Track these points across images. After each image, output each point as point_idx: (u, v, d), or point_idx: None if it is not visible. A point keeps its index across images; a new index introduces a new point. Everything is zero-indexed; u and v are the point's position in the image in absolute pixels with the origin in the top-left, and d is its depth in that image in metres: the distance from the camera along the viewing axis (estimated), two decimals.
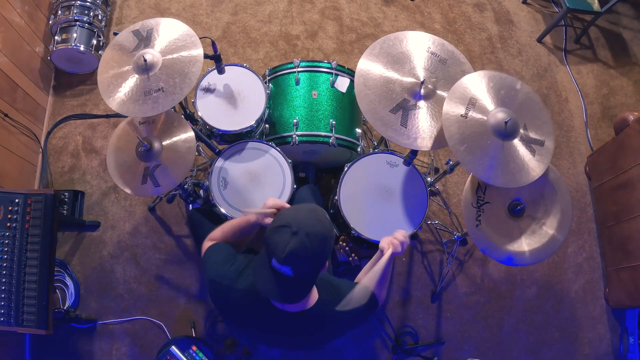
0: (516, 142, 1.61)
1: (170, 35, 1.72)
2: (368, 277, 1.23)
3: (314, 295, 1.21)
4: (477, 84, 1.65)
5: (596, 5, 2.82)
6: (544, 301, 2.47)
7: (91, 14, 2.55)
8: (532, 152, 1.62)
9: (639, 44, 3.19)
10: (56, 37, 2.49)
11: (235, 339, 2.20)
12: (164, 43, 1.70)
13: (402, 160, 1.94)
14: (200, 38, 1.70)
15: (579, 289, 2.52)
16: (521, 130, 1.63)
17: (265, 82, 2.03)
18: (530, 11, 3.22)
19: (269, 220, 1.31)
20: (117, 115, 2.61)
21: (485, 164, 1.57)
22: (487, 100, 1.63)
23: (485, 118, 1.60)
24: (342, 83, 2.05)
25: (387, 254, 1.30)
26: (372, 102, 1.69)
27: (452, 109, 1.60)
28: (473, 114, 1.61)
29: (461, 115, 1.59)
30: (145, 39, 1.71)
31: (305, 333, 1.25)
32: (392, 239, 1.35)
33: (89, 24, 2.54)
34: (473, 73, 1.68)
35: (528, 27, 3.15)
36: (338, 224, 2.06)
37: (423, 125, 1.69)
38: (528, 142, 1.62)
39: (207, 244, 1.34)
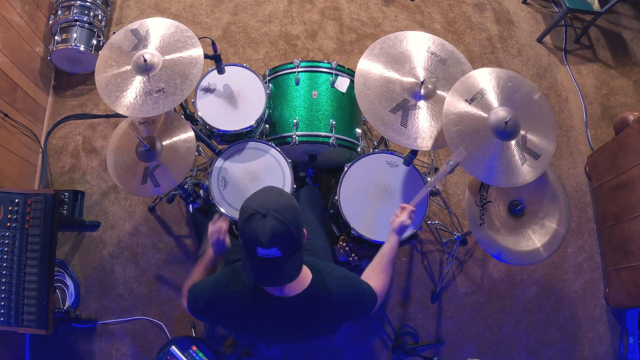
0: (512, 144, 1.60)
1: (168, 35, 1.72)
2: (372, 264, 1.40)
3: (307, 274, 1.22)
4: (489, 80, 1.64)
5: (596, 5, 2.82)
6: (544, 301, 2.47)
7: (91, 14, 2.55)
8: (523, 160, 1.61)
9: (639, 44, 3.19)
10: (56, 37, 2.49)
11: (235, 339, 2.20)
12: (162, 43, 1.70)
13: (402, 160, 1.94)
14: (200, 38, 1.71)
15: (579, 289, 2.52)
16: (521, 134, 1.61)
17: (265, 82, 2.03)
18: (530, 11, 3.22)
19: (223, 236, 1.42)
20: (117, 115, 2.62)
21: (478, 159, 1.57)
22: (493, 98, 1.62)
23: (486, 115, 1.60)
24: (342, 83, 2.05)
25: (393, 226, 1.50)
26: (372, 102, 1.69)
27: (458, 96, 1.60)
28: (476, 106, 1.60)
29: (465, 100, 1.59)
30: (143, 38, 1.72)
31: (307, 317, 1.25)
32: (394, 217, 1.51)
33: (89, 24, 2.54)
34: (493, 68, 1.66)
35: (528, 27, 3.15)
36: (338, 224, 2.06)
37: (423, 125, 1.69)
38: (522, 149, 1.61)
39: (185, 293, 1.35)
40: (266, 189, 1.15)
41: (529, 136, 1.62)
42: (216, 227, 1.42)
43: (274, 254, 1.05)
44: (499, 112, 1.59)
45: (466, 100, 1.60)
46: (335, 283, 1.25)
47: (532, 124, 1.64)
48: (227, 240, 1.43)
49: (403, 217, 1.52)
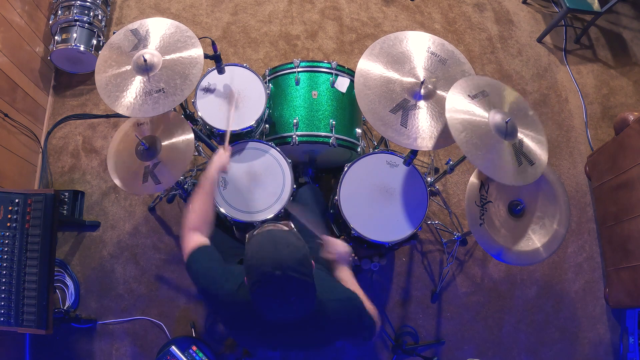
0: (508, 144, 1.60)
1: (168, 35, 1.72)
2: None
3: None
4: (483, 87, 1.66)
5: (596, 5, 2.82)
6: (544, 301, 2.47)
7: (91, 14, 2.55)
8: (519, 162, 1.60)
9: (639, 44, 3.18)
10: (56, 37, 2.49)
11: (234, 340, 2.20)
12: (162, 43, 1.70)
13: (402, 160, 1.94)
14: (200, 38, 1.71)
15: (579, 289, 2.52)
16: (517, 140, 1.62)
17: (265, 82, 2.03)
18: (530, 11, 3.22)
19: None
20: (117, 115, 2.62)
21: (482, 151, 1.56)
22: (489, 104, 1.63)
23: (487, 115, 1.60)
24: (342, 83, 2.05)
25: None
26: (372, 102, 1.69)
27: (461, 91, 1.62)
28: (479, 102, 1.61)
29: (468, 95, 1.60)
30: (143, 38, 1.72)
31: (307, 334, 1.25)
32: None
33: (89, 24, 2.54)
34: (497, 81, 1.70)
35: (528, 27, 3.15)
36: (338, 224, 2.06)
37: (423, 125, 1.69)
38: (518, 153, 1.61)
39: (192, 242, 1.28)
40: (271, 237, 1.08)
41: (525, 140, 1.64)
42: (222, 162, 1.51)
43: (291, 301, 1.04)
44: (497, 115, 1.60)
45: (469, 96, 1.60)
46: (335, 305, 1.23)
47: (527, 128, 1.67)
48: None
49: (334, 247, 1.44)
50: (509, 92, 1.71)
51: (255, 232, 1.12)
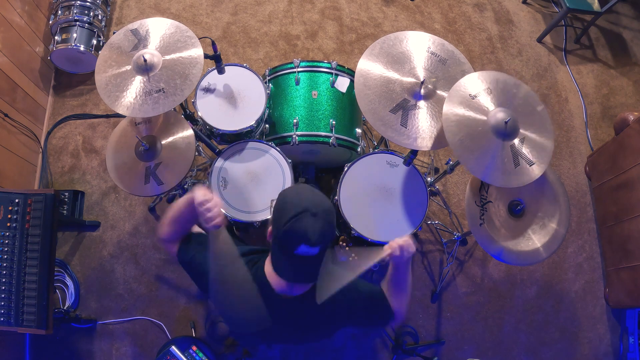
0: (508, 145, 1.60)
1: (168, 35, 1.72)
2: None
3: None
4: (490, 83, 1.65)
5: (596, 5, 2.82)
6: (544, 301, 2.47)
7: (91, 14, 2.55)
8: (516, 164, 1.60)
9: (639, 44, 3.18)
10: (56, 37, 2.49)
11: (235, 339, 2.20)
12: (162, 43, 1.70)
13: (402, 160, 1.94)
14: (200, 38, 1.71)
15: (579, 289, 2.52)
16: (517, 140, 1.62)
17: (265, 82, 2.03)
18: (530, 11, 3.22)
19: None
20: (117, 115, 2.61)
21: (477, 156, 1.57)
22: (494, 100, 1.64)
23: (485, 118, 1.61)
24: (342, 83, 2.05)
25: (384, 254, 1.30)
26: (372, 102, 1.69)
27: (463, 90, 1.62)
28: (480, 100, 1.61)
29: (469, 94, 1.60)
30: (143, 38, 1.72)
31: (309, 316, 1.24)
32: (392, 242, 1.33)
33: (89, 24, 2.54)
34: (503, 74, 1.69)
35: (528, 27, 3.15)
36: (338, 224, 2.06)
37: (423, 125, 1.69)
38: (516, 154, 1.61)
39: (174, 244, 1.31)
40: (306, 187, 1.14)
41: (526, 143, 1.63)
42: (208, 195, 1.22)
43: (313, 252, 1.05)
44: (498, 114, 1.60)
45: (470, 95, 1.60)
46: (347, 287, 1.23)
47: (531, 127, 1.65)
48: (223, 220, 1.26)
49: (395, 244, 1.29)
50: (519, 86, 1.70)
51: (287, 188, 1.17)
